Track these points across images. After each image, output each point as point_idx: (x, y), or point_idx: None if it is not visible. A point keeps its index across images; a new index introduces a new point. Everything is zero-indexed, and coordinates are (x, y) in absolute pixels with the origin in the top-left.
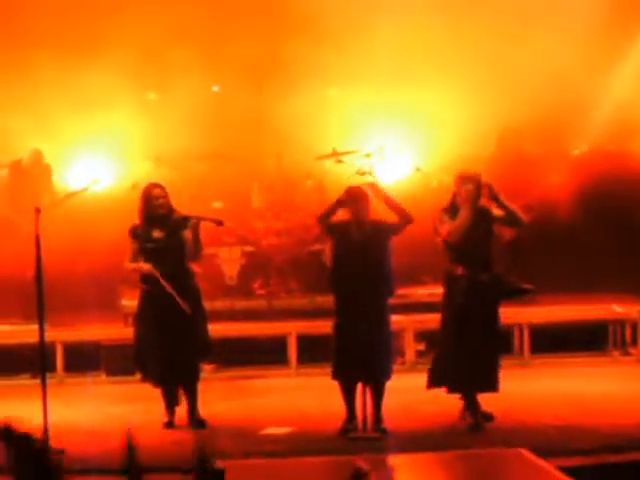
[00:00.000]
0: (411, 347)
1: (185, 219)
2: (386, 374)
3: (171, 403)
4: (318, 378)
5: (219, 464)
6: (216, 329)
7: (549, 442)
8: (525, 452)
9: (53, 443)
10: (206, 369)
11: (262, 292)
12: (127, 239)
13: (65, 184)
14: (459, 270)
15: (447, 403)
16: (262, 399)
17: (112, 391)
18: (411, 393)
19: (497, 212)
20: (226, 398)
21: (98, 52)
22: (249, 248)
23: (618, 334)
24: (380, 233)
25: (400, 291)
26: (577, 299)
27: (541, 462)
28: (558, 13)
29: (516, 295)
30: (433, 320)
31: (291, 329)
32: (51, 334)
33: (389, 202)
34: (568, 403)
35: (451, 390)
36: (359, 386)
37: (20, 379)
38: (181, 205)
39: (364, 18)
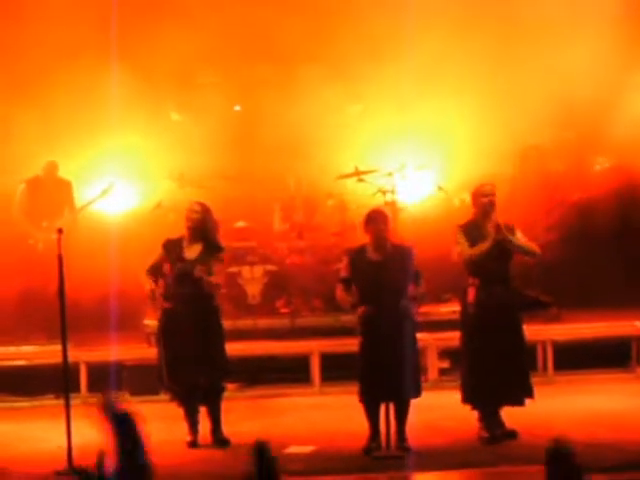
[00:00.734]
0: (434, 365)
1: (218, 248)
2: (414, 391)
3: (194, 422)
4: (341, 397)
5: None
6: (239, 348)
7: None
8: None
9: (77, 463)
10: (229, 388)
11: (285, 311)
12: (155, 250)
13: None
14: (474, 283)
15: (471, 420)
16: (285, 418)
17: (135, 411)
18: (434, 410)
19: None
20: (249, 417)
21: (122, 70)
22: (272, 267)
23: None
24: (400, 255)
25: (423, 309)
26: (601, 315)
27: None
28: (577, 27)
29: (535, 308)
30: (456, 338)
31: (314, 348)
32: (74, 354)
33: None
34: (592, 420)
35: (474, 406)
36: (382, 404)
37: (44, 399)
38: None
39: (385, 37)
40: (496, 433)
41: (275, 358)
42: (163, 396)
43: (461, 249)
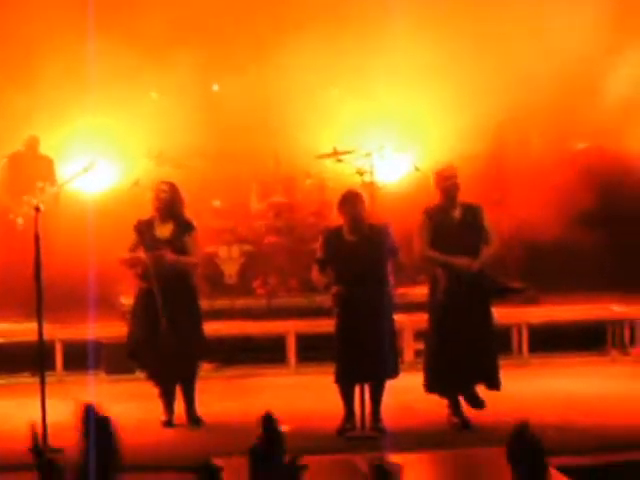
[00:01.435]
0: (410, 346)
1: (189, 225)
2: (391, 371)
3: (169, 401)
4: (317, 377)
5: (217, 462)
6: (215, 328)
7: (546, 441)
8: None
9: (52, 442)
10: (205, 368)
11: (262, 291)
12: (130, 232)
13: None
14: (440, 270)
15: (445, 402)
16: (261, 398)
17: (111, 389)
18: (409, 392)
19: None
20: (225, 397)
21: (101, 49)
22: (248, 247)
23: (616, 334)
24: (377, 235)
25: (399, 290)
26: (576, 299)
27: None
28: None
29: (507, 294)
30: None
31: (290, 328)
32: (50, 332)
33: None
34: (566, 403)
35: (442, 392)
36: (357, 385)
37: (20, 377)
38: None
39: (363, 18)
40: (464, 419)
41: (251, 338)
42: (139, 374)
43: (420, 245)
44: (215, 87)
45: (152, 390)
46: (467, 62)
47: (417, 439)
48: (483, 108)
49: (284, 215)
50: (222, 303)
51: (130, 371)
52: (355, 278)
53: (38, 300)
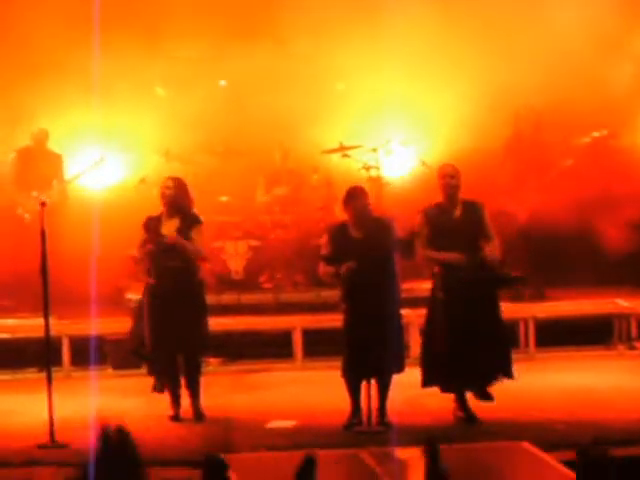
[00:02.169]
0: (416, 341)
1: (195, 220)
2: (396, 367)
3: (176, 396)
4: (323, 372)
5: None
6: (222, 323)
7: (552, 435)
8: (528, 445)
9: (58, 437)
10: (212, 363)
11: (268, 286)
12: (138, 231)
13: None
14: (439, 267)
15: (451, 397)
16: (268, 393)
17: (118, 385)
18: (416, 387)
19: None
20: (232, 391)
21: (107, 44)
22: (255, 242)
23: (623, 328)
24: (382, 229)
25: (405, 285)
26: (583, 293)
27: (544, 455)
28: None
29: (508, 285)
30: None
31: (297, 323)
32: (57, 328)
33: None
34: (572, 397)
35: (445, 389)
36: (364, 380)
37: (27, 373)
38: None
39: (371, 12)
40: (470, 413)
41: (258, 333)
42: (146, 370)
43: (417, 245)
44: (222, 82)
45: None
46: (475, 55)
47: (423, 433)
48: (491, 102)
49: (290, 210)
50: (229, 298)
51: (137, 366)
52: (362, 274)
53: (44, 295)
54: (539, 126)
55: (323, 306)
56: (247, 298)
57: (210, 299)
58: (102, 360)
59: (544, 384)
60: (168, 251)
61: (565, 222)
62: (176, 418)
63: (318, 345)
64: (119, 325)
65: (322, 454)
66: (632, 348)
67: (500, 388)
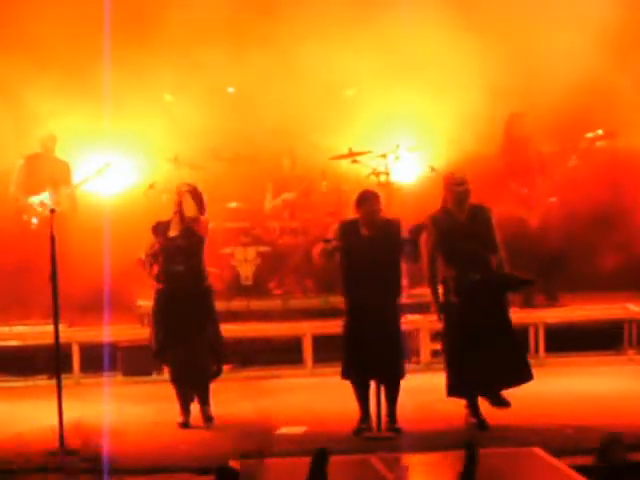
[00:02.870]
0: (426, 347)
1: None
2: (395, 372)
3: (186, 403)
4: (333, 378)
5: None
6: (232, 329)
7: (563, 441)
8: (539, 451)
9: (68, 443)
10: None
11: (278, 292)
12: (147, 235)
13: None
14: (449, 272)
15: (462, 403)
16: (277, 399)
17: (128, 391)
18: (426, 393)
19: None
20: (242, 398)
21: (116, 50)
22: (264, 248)
23: (634, 333)
24: (391, 230)
25: (415, 291)
26: (593, 298)
27: (554, 461)
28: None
29: (518, 287)
30: None
31: (306, 329)
32: (67, 334)
33: None
34: (583, 402)
35: (471, 395)
36: (373, 386)
37: (37, 379)
38: None
39: (379, 18)
40: (481, 418)
41: (268, 339)
42: (156, 377)
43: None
44: (230, 89)
45: (168, 392)
46: (486, 60)
47: (434, 440)
48: (501, 107)
49: (299, 216)
50: (238, 304)
51: (147, 373)
52: (367, 273)
53: (54, 302)
54: (531, 130)
55: (332, 312)
56: (256, 304)
57: (219, 305)
58: (112, 367)
59: (554, 390)
60: (176, 255)
61: (574, 226)
62: (186, 425)
63: (328, 351)
64: (130, 332)
65: (331, 460)
66: None
67: (511, 393)
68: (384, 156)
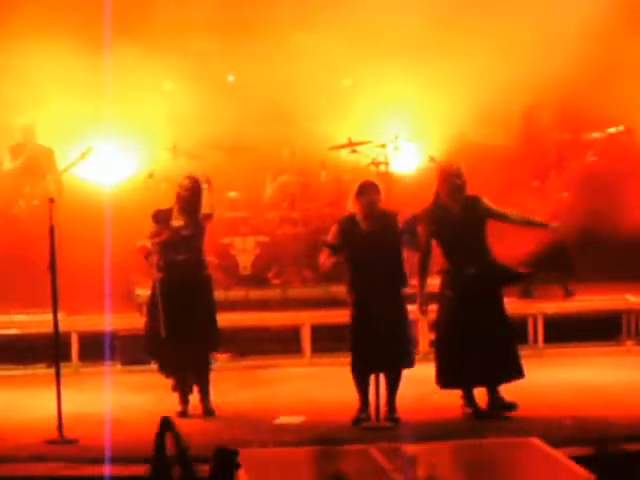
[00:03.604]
0: (425, 337)
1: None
2: (406, 361)
3: (184, 392)
4: (331, 368)
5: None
6: (231, 319)
7: (561, 431)
8: (537, 441)
9: (67, 433)
10: (220, 358)
11: (277, 282)
12: (147, 222)
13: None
14: (446, 264)
15: (459, 393)
16: (276, 388)
17: (127, 380)
18: (424, 383)
19: (489, 204)
20: (240, 387)
21: (116, 38)
22: (263, 238)
23: (632, 324)
24: (389, 221)
25: (413, 281)
26: (591, 289)
27: (553, 451)
28: None
29: (516, 281)
30: None
31: (305, 319)
32: (66, 323)
33: None
34: (581, 393)
35: (464, 386)
36: (372, 376)
37: (36, 368)
38: None
39: (379, 8)
40: (477, 408)
41: (266, 329)
42: (154, 366)
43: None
44: (230, 78)
45: (167, 381)
46: (484, 49)
47: (432, 429)
48: (501, 97)
49: (299, 206)
50: (237, 294)
51: (145, 362)
52: (370, 267)
53: (53, 291)
54: (551, 123)
55: (331, 302)
56: (255, 294)
57: (218, 295)
58: (111, 356)
59: (552, 380)
60: (178, 245)
61: (583, 219)
62: (184, 414)
63: (326, 341)
64: (128, 321)
65: (331, 450)
66: None
67: (509, 384)
68: (383, 146)
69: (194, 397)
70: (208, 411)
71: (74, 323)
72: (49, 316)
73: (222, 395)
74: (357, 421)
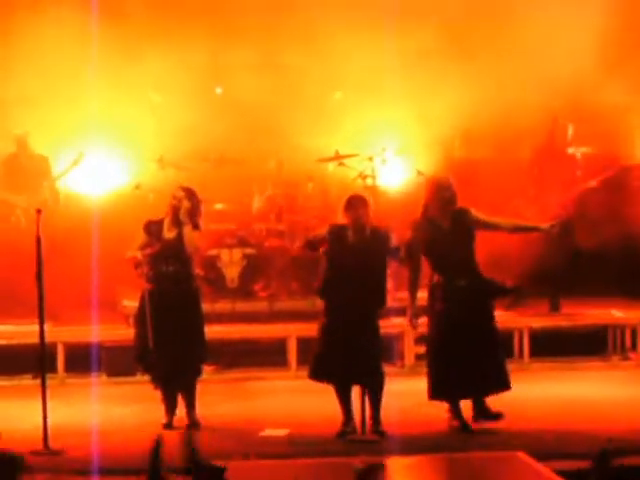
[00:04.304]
0: (410, 350)
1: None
2: (377, 379)
3: (171, 404)
4: None
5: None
6: (217, 331)
7: (547, 445)
8: (522, 455)
9: (52, 444)
10: (206, 370)
11: (263, 294)
12: (138, 233)
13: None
14: (436, 278)
15: (445, 407)
16: (262, 401)
17: (113, 392)
18: (410, 396)
19: (478, 214)
20: (226, 399)
21: (102, 49)
22: (250, 250)
23: (618, 339)
24: (378, 240)
25: (400, 294)
26: (577, 303)
27: (538, 465)
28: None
29: (504, 295)
30: None
31: (291, 331)
32: (52, 334)
33: None
34: (567, 407)
35: (454, 399)
36: (357, 389)
37: (22, 379)
38: None
39: (369, 21)
40: (464, 422)
41: (252, 341)
42: (140, 377)
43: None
44: (218, 90)
45: (153, 392)
46: (474, 65)
47: (417, 443)
48: (489, 112)
49: (286, 218)
50: (223, 306)
51: (131, 373)
52: (349, 279)
53: (40, 301)
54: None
55: (318, 314)
56: (241, 306)
57: (205, 307)
58: (97, 367)
59: (538, 394)
60: (168, 257)
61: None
62: (169, 426)
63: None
64: (114, 332)
65: (315, 462)
66: (626, 359)
67: (494, 398)
68: (371, 159)
69: (180, 409)
70: (194, 423)
71: (60, 334)
72: (35, 327)
73: (208, 407)
74: (342, 434)
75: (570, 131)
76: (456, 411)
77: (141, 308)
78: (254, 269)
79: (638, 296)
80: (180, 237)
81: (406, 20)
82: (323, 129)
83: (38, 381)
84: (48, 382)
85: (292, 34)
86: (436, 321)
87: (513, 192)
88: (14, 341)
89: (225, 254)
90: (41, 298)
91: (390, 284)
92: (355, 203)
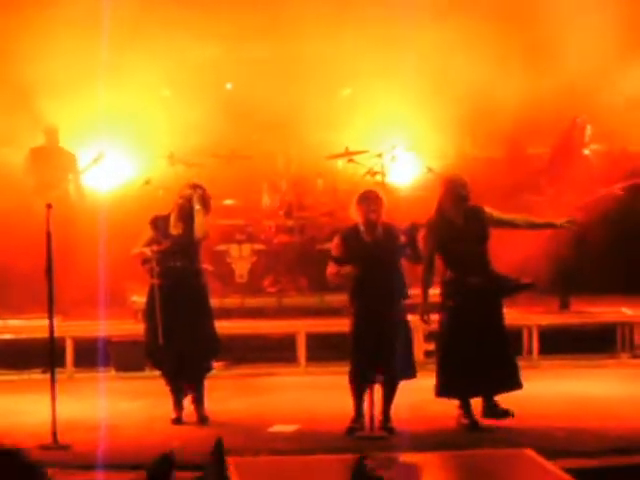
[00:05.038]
0: (420, 347)
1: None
2: (407, 373)
3: (179, 399)
4: (326, 376)
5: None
6: (226, 327)
7: (555, 443)
8: (531, 452)
9: (61, 438)
10: (216, 366)
11: (272, 290)
12: (145, 229)
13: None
14: (448, 275)
15: (454, 403)
16: (271, 397)
17: (121, 387)
18: (420, 393)
19: (492, 212)
20: (235, 395)
21: (113, 45)
22: (260, 246)
23: (627, 336)
24: (391, 235)
25: (410, 291)
26: (586, 301)
27: (546, 463)
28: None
29: (517, 291)
30: None
31: (300, 327)
32: (62, 329)
33: None
34: (575, 405)
35: (465, 397)
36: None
37: (31, 373)
38: None
39: (379, 18)
40: (474, 419)
41: (261, 337)
42: (149, 372)
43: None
44: (228, 86)
45: (161, 387)
46: (482, 65)
47: (426, 440)
48: (496, 110)
49: (295, 214)
50: (232, 302)
51: (139, 368)
52: (372, 277)
53: (49, 296)
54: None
55: (327, 310)
56: (251, 302)
57: (214, 302)
58: (105, 362)
59: (547, 392)
60: (176, 252)
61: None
62: (178, 421)
63: (321, 349)
64: (122, 327)
65: (323, 459)
66: (635, 356)
67: (504, 396)
68: (380, 156)
69: (188, 404)
70: (202, 418)
71: (69, 328)
72: (44, 321)
73: (217, 403)
74: (351, 430)
75: (588, 131)
76: (467, 409)
77: (149, 304)
78: (263, 265)
79: None
80: (187, 233)
81: (418, 16)
82: (333, 126)
83: (47, 376)
84: (57, 377)
85: (302, 30)
86: (448, 318)
87: (524, 190)
88: (23, 335)
89: (234, 250)
90: (50, 292)
91: None
92: (367, 198)
